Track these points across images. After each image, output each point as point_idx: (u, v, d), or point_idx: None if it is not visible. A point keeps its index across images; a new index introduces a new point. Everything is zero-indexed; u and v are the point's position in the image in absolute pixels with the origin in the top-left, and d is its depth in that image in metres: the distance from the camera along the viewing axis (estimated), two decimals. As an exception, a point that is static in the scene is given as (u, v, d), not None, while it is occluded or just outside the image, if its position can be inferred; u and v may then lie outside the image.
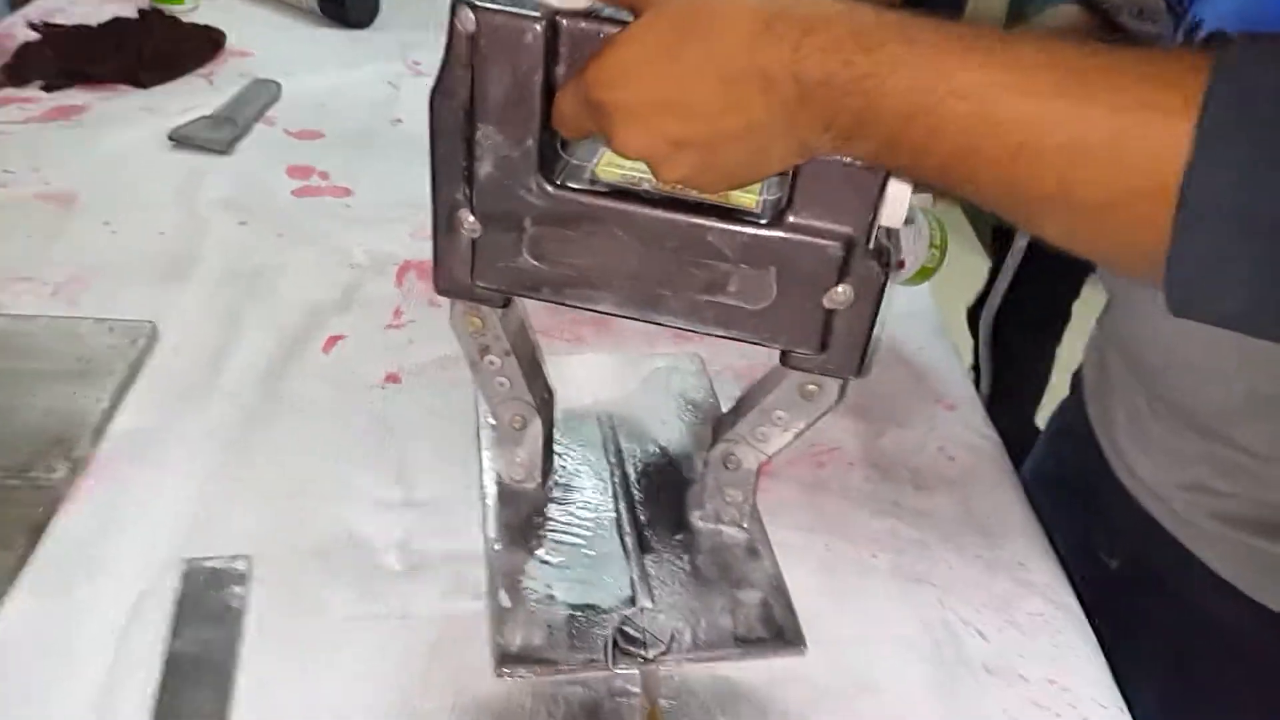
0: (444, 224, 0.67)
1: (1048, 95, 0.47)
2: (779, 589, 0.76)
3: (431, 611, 0.72)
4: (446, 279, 0.70)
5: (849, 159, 0.58)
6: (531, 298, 0.70)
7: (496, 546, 0.76)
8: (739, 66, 0.52)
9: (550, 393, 0.81)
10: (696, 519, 0.81)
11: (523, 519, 0.79)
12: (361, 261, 1.09)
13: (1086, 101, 0.46)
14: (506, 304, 0.71)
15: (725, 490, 0.79)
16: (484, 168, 0.63)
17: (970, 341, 1.78)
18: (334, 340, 0.97)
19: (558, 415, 0.87)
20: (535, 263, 0.66)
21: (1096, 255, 0.55)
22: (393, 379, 0.93)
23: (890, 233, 0.65)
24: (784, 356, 0.69)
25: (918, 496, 0.86)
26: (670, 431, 0.90)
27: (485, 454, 0.84)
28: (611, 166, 0.66)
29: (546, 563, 0.75)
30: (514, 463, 0.81)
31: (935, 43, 0.49)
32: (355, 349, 0.96)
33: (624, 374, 0.96)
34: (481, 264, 0.67)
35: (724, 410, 0.93)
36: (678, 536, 0.79)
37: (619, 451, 0.86)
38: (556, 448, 0.86)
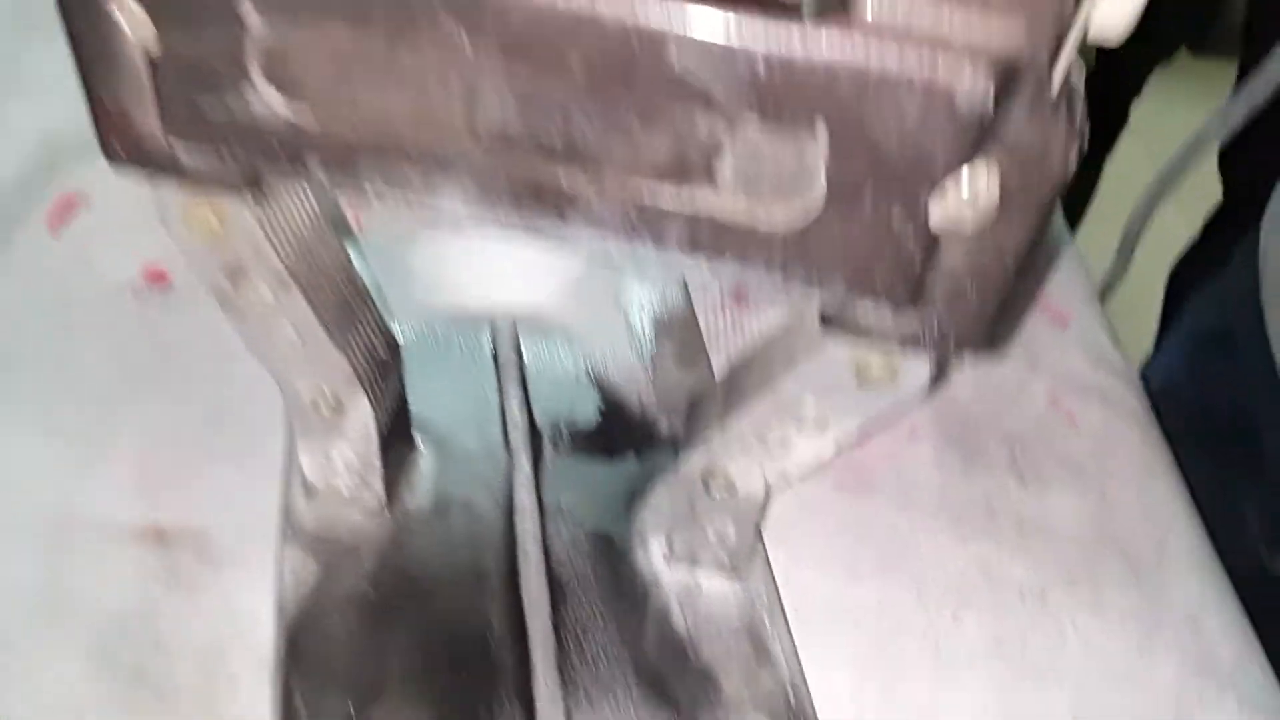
0: (79, 10, 0.29)
1: None
2: (800, 715, 0.43)
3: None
4: (114, 130, 0.32)
5: None
6: (287, 174, 0.32)
7: (284, 652, 0.42)
8: None
9: (391, 344, 0.44)
10: (657, 555, 0.47)
11: (347, 578, 0.45)
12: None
13: None
14: (257, 183, 0.34)
15: (707, 524, 0.44)
16: None
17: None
18: (69, 206, 0.59)
19: (422, 338, 0.52)
20: (283, 102, 0.29)
21: None
22: (156, 276, 0.56)
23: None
24: (824, 315, 0.34)
25: (1024, 494, 0.52)
26: (623, 370, 0.54)
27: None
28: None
29: (381, 690, 0.42)
30: (330, 463, 0.46)
31: None
32: (105, 223, 0.59)
33: (549, 259, 0.59)
34: (174, 102, 0.30)
35: (707, 351, 0.57)
36: (623, 591, 0.46)
37: (529, 416, 0.51)
38: (421, 406, 0.51)
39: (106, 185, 0.60)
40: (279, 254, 0.36)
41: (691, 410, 0.43)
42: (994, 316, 0.32)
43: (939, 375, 0.38)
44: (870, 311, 0.32)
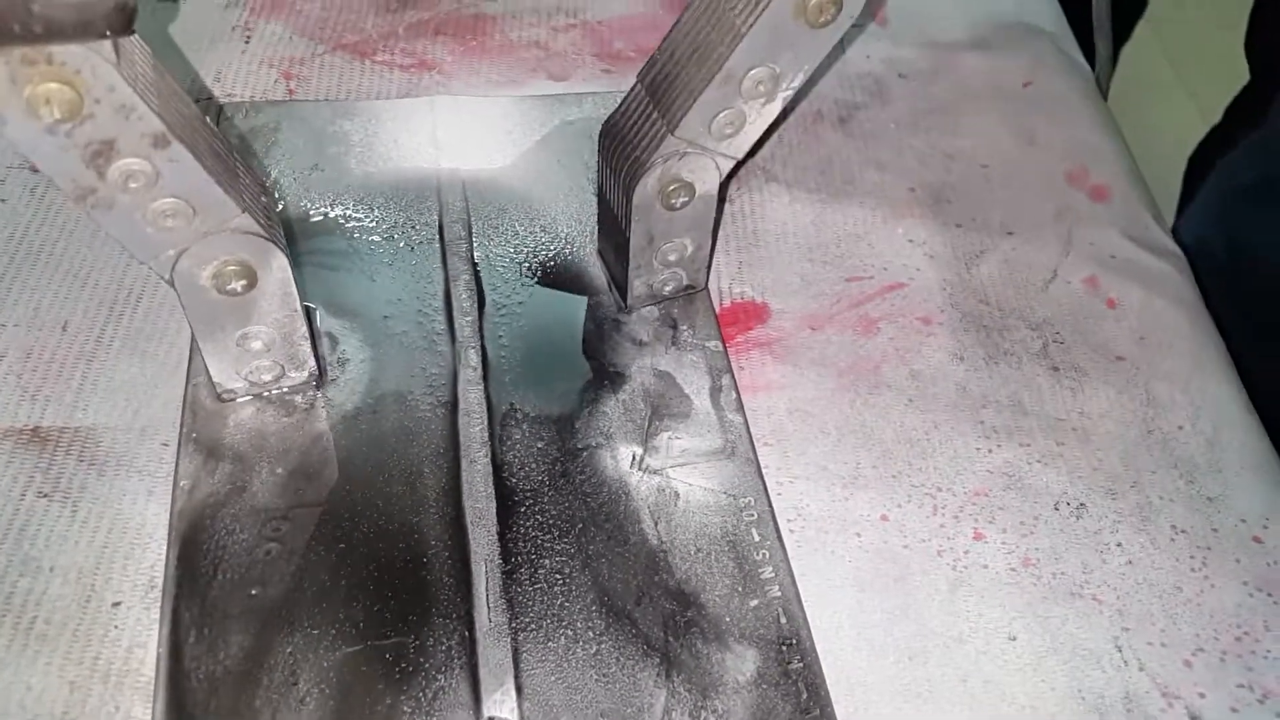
0: None
1: None
2: (787, 589, 0.36)
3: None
4: None
5: None
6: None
7: (175, 574, 0.35)
8: None
9: (268, 194, 0.38)
10: (625, 460, 0.40)
11: (254, 486, 0.38)
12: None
13: None
14: (130, 20, 0.28)
15: (669, 246, 0.42)
16: None
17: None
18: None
19: (357, 212, 0.45)
20: None
21: None
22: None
23: None
24: None
25: (1058, 389, 0.45)
26: (593, 253, 0.47)
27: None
28: None
29: (290, 621, 0.35)
30: (246, 352, 0.38)
31: None
32: None
33: (507, 126, 0.51)
34: None
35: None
36: (585, 503, 0.39)
37: (479, 302, 0.44)
38: (352, 289, 0.44)
39: None
40: (151, 106, 0.30)
41: (620, 150, 0.40)
42: None
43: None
44: None
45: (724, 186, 0.42)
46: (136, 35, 0.30)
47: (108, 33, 0.28)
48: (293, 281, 0.36)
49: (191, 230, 0.33)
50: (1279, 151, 0.59)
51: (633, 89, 0.39)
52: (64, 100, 0.29)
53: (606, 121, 0.40)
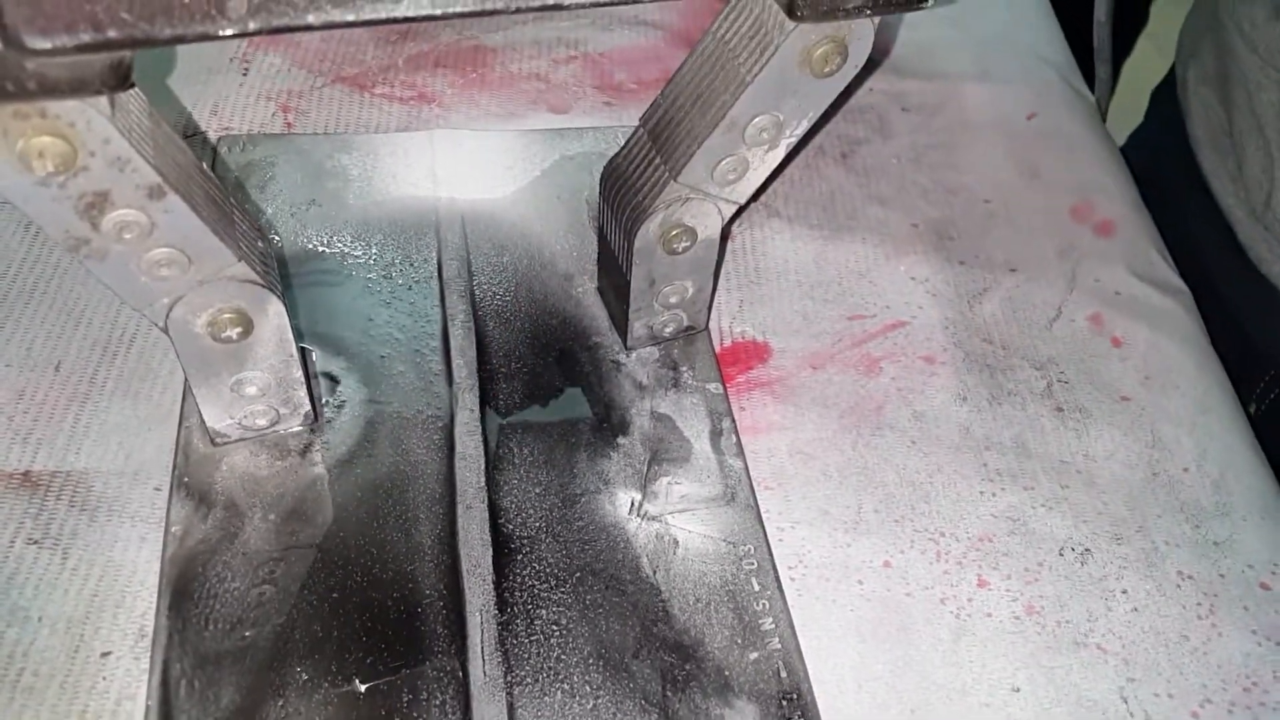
0: None
1: None
2: (791, 651, 0.35)
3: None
4: None
5: None
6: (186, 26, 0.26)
7: (166, 623, 0.35)
8: None
9: (264, 239, 0.37)
10: (624, 506, 0.40)
11: (246, 533, 0.37)
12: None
13: None
14: (121, 75, 0.28)
15: (669, 290, 0.42)
16: None
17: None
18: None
19: (353, 249, 0.44)
20: None
21: None
22: (49, 183, 0.48)
23: None
24: None
25: (1062, 431, 0.44)
26: (594, 291, 0.46)
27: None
28: None
29: (281, 672, 0.34)
30: (240, 398, 0.38)
31: None
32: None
33: (507, 160, 0.51)
34: None
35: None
36: (584, 551, 0.38)
37: (476, 343, 0.43)
38: (346, 329, 0.43)
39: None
40: (147, 157, 0.29)
41: (623, 192, 0.39)
42: None
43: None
44: None
45: (726, 228, 0.41)
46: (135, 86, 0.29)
47: (103, 90, 0.27)
48: (289, 328, 0.36)
49: (187, 279, 0.33)
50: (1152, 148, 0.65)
51: (635, 133, 0.39)
52: (57, 153, 0.28)
53: (608, 164, 0.40)
